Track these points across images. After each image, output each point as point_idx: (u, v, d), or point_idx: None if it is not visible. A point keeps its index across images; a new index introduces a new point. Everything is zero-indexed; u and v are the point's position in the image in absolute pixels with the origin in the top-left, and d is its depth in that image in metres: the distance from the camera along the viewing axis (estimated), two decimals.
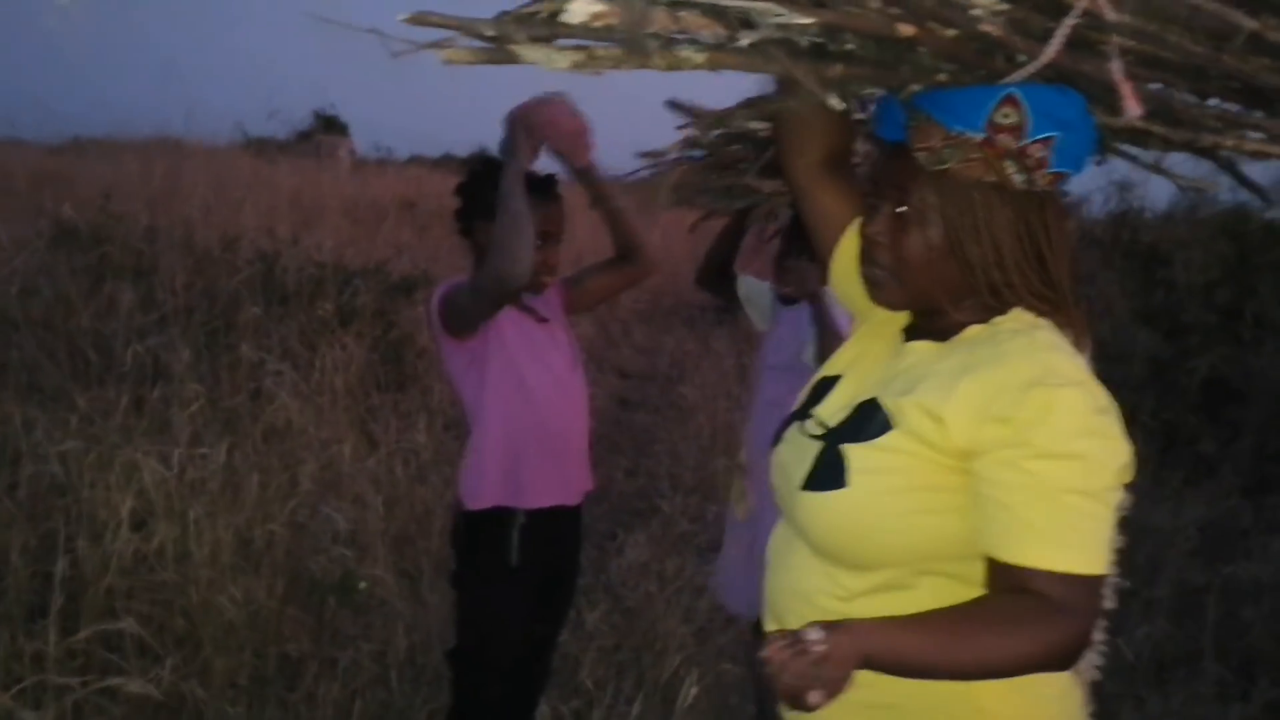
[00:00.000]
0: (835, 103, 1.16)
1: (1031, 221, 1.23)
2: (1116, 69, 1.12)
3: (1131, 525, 1.25)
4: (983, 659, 1.12)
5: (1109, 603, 1.27)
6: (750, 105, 1.53)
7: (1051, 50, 1.11)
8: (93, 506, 3.32)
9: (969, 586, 1.21)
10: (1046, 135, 1.18)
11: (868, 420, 1.27)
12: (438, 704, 3.08)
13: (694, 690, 2.89)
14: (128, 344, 4.48)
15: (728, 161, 2.37)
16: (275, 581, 3.35)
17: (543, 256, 2.34)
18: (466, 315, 2.31)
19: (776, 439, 1.44)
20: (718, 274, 2.98)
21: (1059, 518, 1.12)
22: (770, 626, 1.37)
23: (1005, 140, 1.18)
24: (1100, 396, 1.17)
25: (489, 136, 2.65)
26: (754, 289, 2.87)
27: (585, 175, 2.35)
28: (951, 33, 1.12)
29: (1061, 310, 1.25)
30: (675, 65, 1.09)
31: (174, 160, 8.05)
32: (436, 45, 1.04)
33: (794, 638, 1.06)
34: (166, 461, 3.41)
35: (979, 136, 1.19)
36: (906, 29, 1.05)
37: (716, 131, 2.41)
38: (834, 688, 1.05)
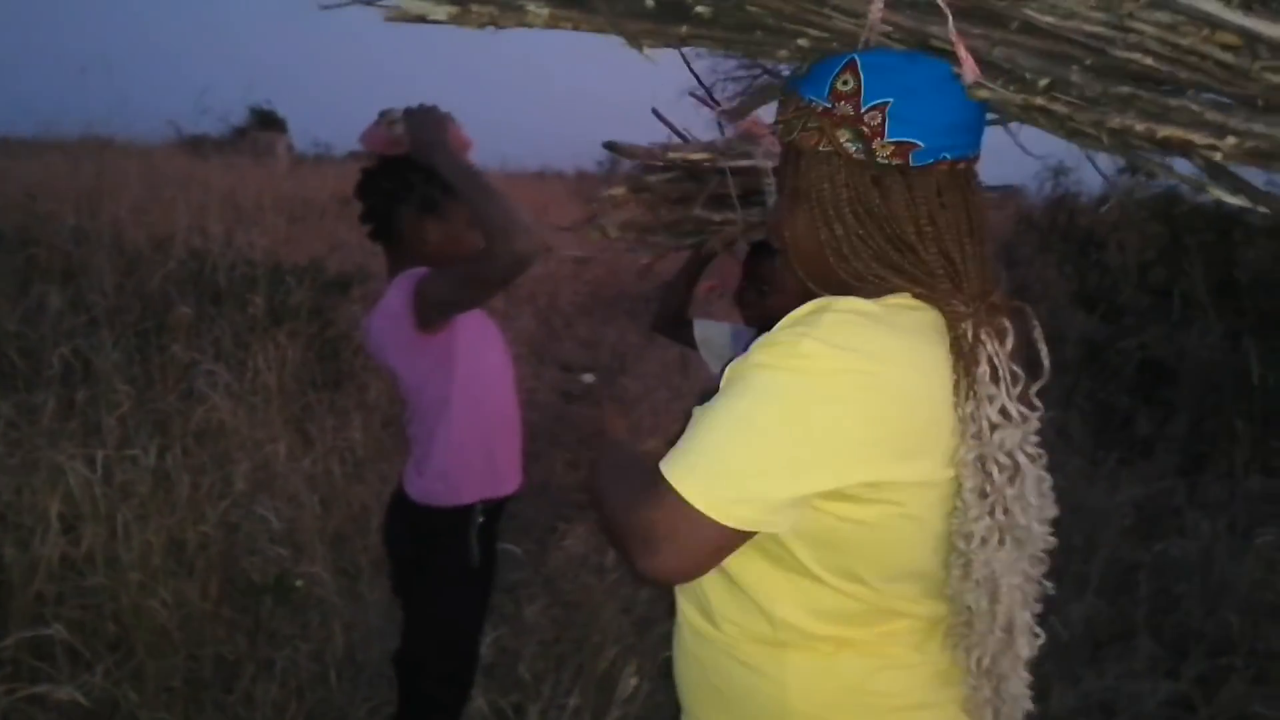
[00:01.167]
0: (649, 56, 1.19)
1: (876, 194, 1.14)
2: (953, 31, 1.10)
3: (1067, 504, 1.22)
4: (604, 489, 1.18)
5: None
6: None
7: (875, 12, 1.10)
8: (18, 511, 3.26)
9: (740, 595, 1.21)
10: (881, 101, 1.12)
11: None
12: (377, 702, 3.06)
13: (633, 681, 2.90)
14: (55, 346, 4.39)
15: (674, 197, 2.40)
16: (209, 583, 3.30)
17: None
18: (455, 306, 2.24)
19: None
20: (673, 319, 2.88)
21: (692, 432, 1.08)
22: None
23: (844, 108, 1.13)
24: (802, 340, 1.06)
25: None
26: (711, 331, 2.78)
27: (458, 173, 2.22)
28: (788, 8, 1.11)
29: (947, 295, 1.14)
30: (523, 23, 1.11)
31: (103, 159, 7.87)
32: None
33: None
34: (93, 464, 3.35)
35: (822, 105, 1.14)
36: None
37: (659, 169, 2.44)
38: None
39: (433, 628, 2.43)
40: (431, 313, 2.21)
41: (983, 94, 1.13)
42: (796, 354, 1.05)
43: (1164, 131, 1.15)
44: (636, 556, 1.08)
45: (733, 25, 1.22)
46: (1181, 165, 1.23)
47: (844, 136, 1.13)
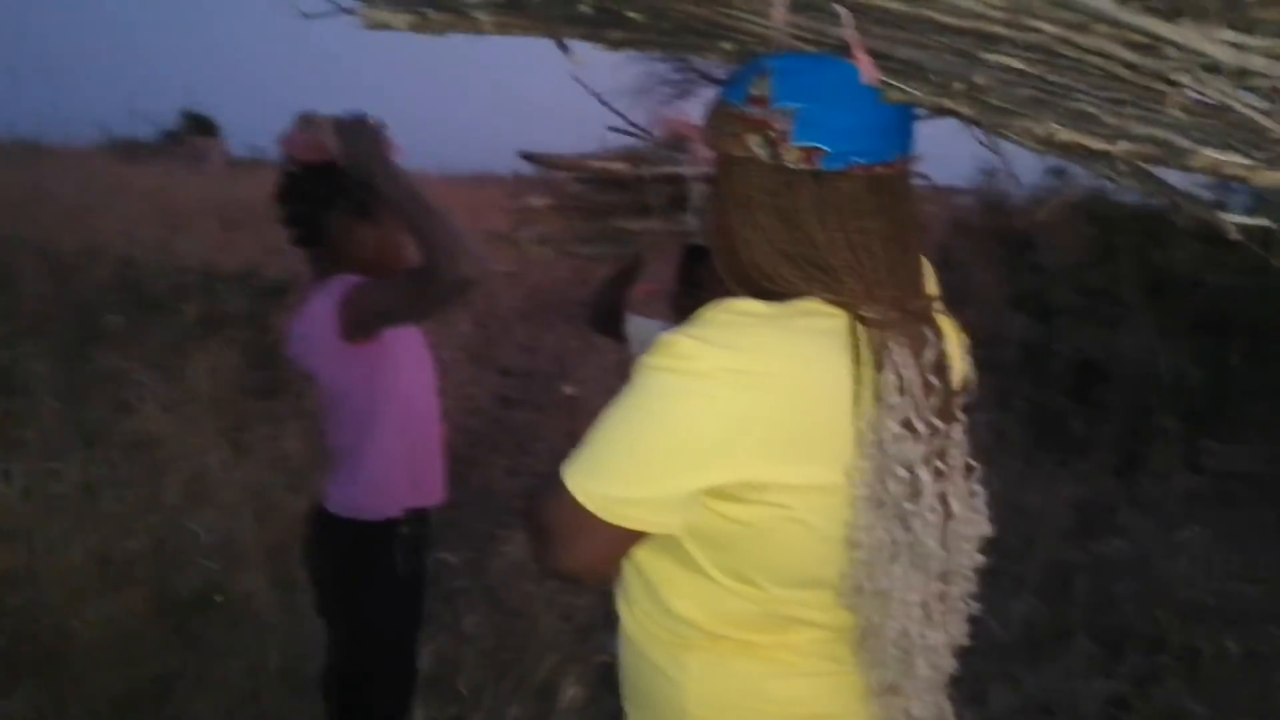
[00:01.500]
0: (579, 60, 1.21)
1: (782, 199, 1.13)
2: (849, 32, 1.09)
3: (1006, 505, 1.22)
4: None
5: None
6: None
7: (776, 15, 1.11)
8: None
9: (646, 589, 1.21)
10: (788, 106, 1.11)
11: None
12: (315, 715, 3.00)
13: (573, 690, 2.87)
14: None
15: (594, 207, 2.33)
16: (138, 599, 3.22)
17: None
18: (389, 320, 2.18)
19: None
20: (608, 317, 2.85)
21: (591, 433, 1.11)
22: None
23: (756, 111, 1.13)
24: (687, 339, 1.06)
25: None
26: (643, 329, 2.75)
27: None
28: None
29: (856, 301, 1.11)
30: (474, 29, 1.12)
31: (31, 164, 7.69)
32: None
33: None
34: (9, 479, 3.25)
35: (739, 109, 1.14)
36: None
37: (581, 178, 2.41)
38: None
39: (367, 643, 2.36)
40: (362, 323, 2.15)
41: (896, 95, 1.12)
42: (675, 353, 1.05)
43: (1061, 135, 1.13)
44: (537, 553, 1.14)
45: (664, 30, 1.22)
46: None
47: (754, 141, 1.13)
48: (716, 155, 1.20)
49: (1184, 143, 1.13)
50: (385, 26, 1.24)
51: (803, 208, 1.12)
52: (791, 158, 1.11)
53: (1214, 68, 1.11)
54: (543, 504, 1.11)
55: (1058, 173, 7.62)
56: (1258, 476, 4.52)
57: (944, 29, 1.13)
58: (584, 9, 1.21)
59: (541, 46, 1.26)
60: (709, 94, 1.52)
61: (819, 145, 1.11)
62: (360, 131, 2.17)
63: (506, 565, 3.74)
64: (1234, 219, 1.17)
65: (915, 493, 1.09)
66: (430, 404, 2.45)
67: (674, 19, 1.20)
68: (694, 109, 1.77)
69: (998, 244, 8.42)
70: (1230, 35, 1.09)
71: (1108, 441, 5.26)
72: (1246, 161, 1.13)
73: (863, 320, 1.10)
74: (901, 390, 1.08)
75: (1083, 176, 7.18)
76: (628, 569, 1.23)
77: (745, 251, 1.16)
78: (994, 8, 1.10)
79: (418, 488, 2.36)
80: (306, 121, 2.24)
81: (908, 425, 1.08)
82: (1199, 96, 1.14)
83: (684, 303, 2.50)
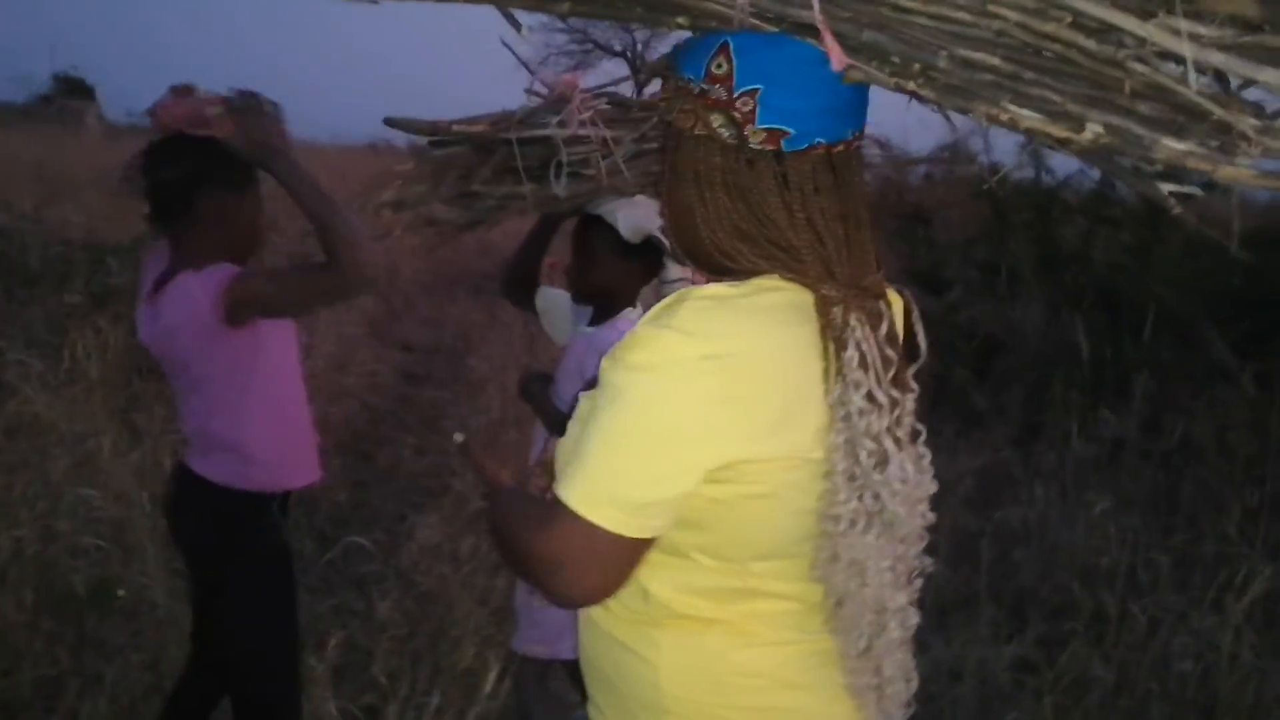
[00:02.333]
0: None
1: (743, 178, 1.13)
2: (818, 15, 1.08)
3: None
4: (505, 533, 1.18)
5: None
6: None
7: None
8: None
9: (680, 559, 1.17)
10: (751, 87, 1.12)
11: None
12: (218, 711, 2.89)
13: (494, 675, 2.82)
14: None
15: (461, 173, 2.31)
16: (25, 594, 3.05)
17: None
18: (278, 310, 2.19)
19: None
20: (520, 284, 2.77)
21: (569, 447, 1.12)
22: None
23: (717, 91, 1.13)
24: (663, 333, 1.06)
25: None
26: (551, 300, 2.70)
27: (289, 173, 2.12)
28: None
29: (818, 280, 1.13)
30: None
31: None
32: None
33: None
34: None
35: (699, 86, 1.14)
36: None
37: (449, 142, 2.35)
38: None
39: (251, 620, 2.30)
40: (248, 310, 2.12)
41: (856, 76, 1.12)
42: (652, 348, 1.07)
43: (1026, 123, 1.15)
44: (549, 584, 1.11)
45: (613, 2, 1.19)
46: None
47: (717, 121, 1.13)
48: (670, 130, 1.20)
49: (1142, 131, 1.16)
50: None
51: (764, 188, 1.14)
52: (756, 139, 1.13)
53: (1169, 57, 1.13)
54: (544, 537, 1.09)
55: (952, 149, 7.78)
56: (1148, 446, 4.69)
57: (906, 11, 1.12)
58: None
59: (443, 14, 1.20)
60: (608, 65, 1.50)
61: (784, 127, 1.12)
62: (259, 115, 2.10)
63: (418, 548, 3.65)
64: (1173, 188, 1.19)
65: (882, 463, 1.12)
66: (299, 384, 2.42)
67: None
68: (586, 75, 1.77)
69: (891, 218, 8.57)
70: (1185, 25, 1.10)
71: (1006, 412, 5.41)
72: (1203, 152, 1.15)
73: (824, 297, 1.12)
74: (865, 365, 1.11)
75: (976, 154, 7.31)
76: None
77: (705, 229, 1.16)
78: None
79: (292, 467, 2.36)
80: (184, 91, 2.14)
81: (871, 398, 1.11)
82: (1153, 84, 1.16)
83: (579, 273, 2.49)
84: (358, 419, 5.42)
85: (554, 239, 2.65)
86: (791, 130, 1.12)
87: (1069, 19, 1.11)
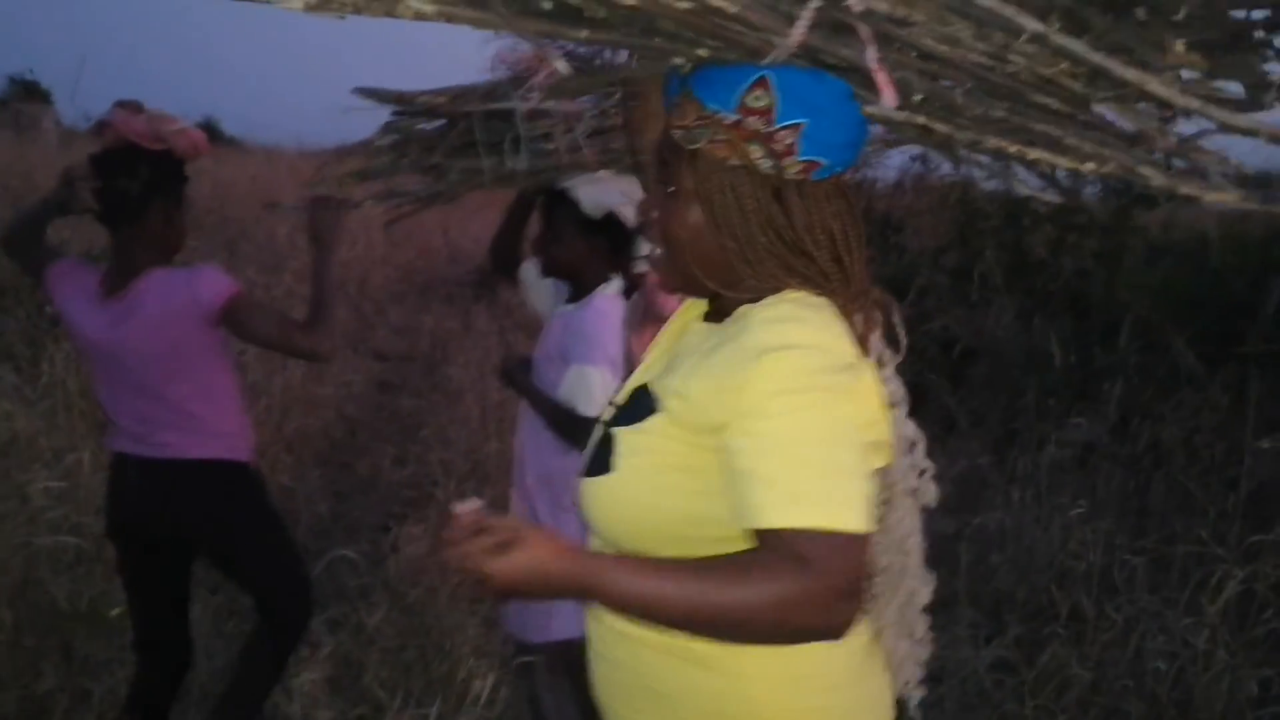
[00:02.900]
0: (563, 67, 1.18)
1: (778, 208, 1.20)
2: (871, 57, 1.14)
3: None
4: (700, 605, 1.06)
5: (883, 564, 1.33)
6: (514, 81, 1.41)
7: (796, 34, 1.12)
8: None
9: None
10: (795, 121, 1.16)
11: (639, 405, 1.28)
12: None
13: (488, 684, 2.83)
14: None
15: (424, 143, 2.44)
16: (8, 612, 3.02)
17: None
18: (251, 334, 2.52)
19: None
20: (504, 257, 2.84)
21: (793, 472, 1.08)
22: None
23: (755, 123, 1.17)
24: (832, 356, 1.15)
25: (211, 104, 2.58)
26: (533, 275, 2.74)
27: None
28: (684, 5, 1.10)
29: (838, 293, 1.22)
30: (392, 13, 1.08)
31: None
32: None
33: (486, 522, 1.10)
34: None
35: (731, 117, 1.17)
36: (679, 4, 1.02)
37: (405, 113, 2.43)
38: (498, 584, 1.07)
39: (273, 557, 2.67)
40: (232, 324, 2.48)
41: (875, 112, 1.22)
42: (827, 350, 1.15)
43: (1033, 154, 1.29)
44: (836, 620, 1.08)
45: (632, 30, 1.22)
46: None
47: (756, 153, 1.18)
48: (681, 152, 1.23)
49: (1131, 162, 1.28)
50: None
51: (794, 214, 1.21)
52: (791, 170, 1.19)
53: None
54: (820, 572, 1.04)
55: (921, 159, 7.88)
56: (1119, 450, 4.77)
57: (929, 57, 1.21)
58: (545, 4, 1.18)
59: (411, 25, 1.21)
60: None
61: (819, 159, 1.19)
62: (330, 213, 2.52)
63: (404, 560, 3.65)
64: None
65: (914, 445, 1.32)
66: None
67: (643, 20, 1.18)
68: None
69: (864, 226, 8.64)
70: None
71: (980, 418, 5.48)
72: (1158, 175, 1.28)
73: (845, 306, 1.23)
74: (883, 362, 1.26)
75: (945, 163, 7.42)
76: None
77: (734, 253, 1.22)
78: (974, 38, 1.19)
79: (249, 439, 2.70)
80: (133, 107, 2.44)
81: (893, 393, 1.27)
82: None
83: (545, 248, 2.56)
84: (334, 429, 5.40)
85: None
86: (825, 161, 1.19)
87: (1066, 64, 1.22)
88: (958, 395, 5.57)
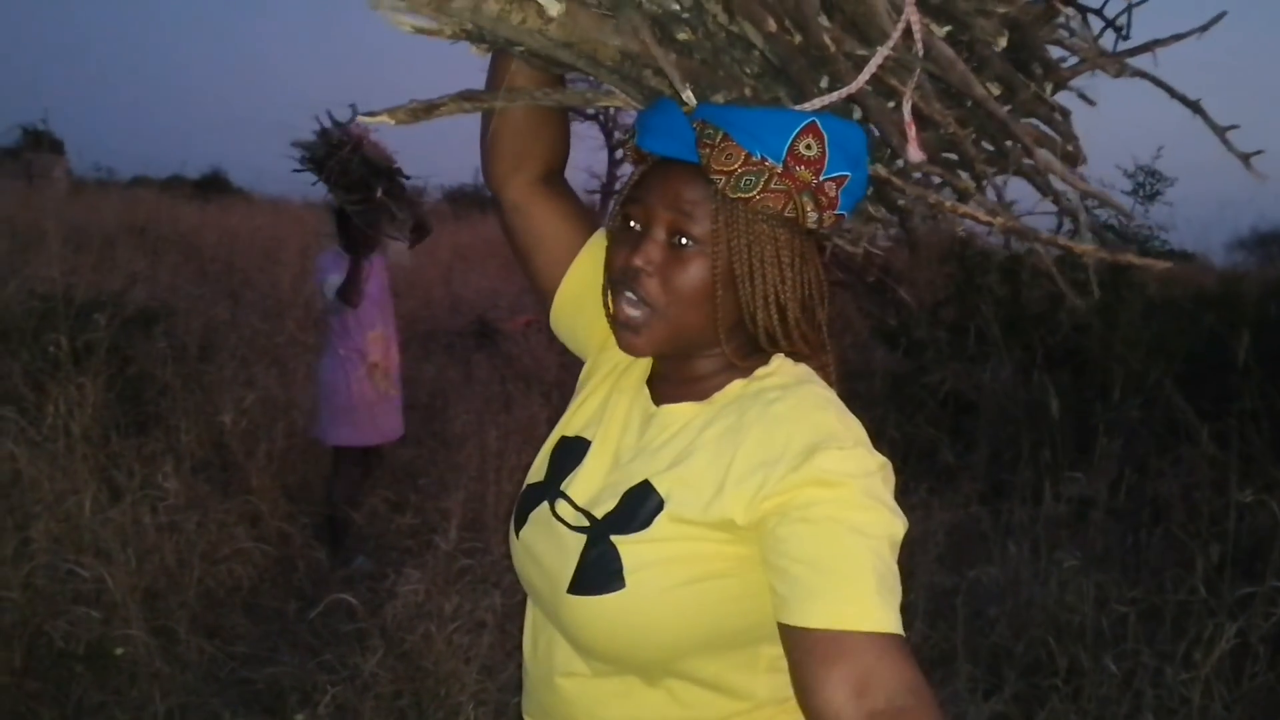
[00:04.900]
0: (689, 96, 1.05)
1: (809, 263, 1.15)
2: (908, 113, 1.09)
3: None
4: None
5: None
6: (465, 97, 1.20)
7: (864, 76, 1.06)
8: None
9: (709, 690, 1.16)
10: (841, 174, 1.09)
11: (639, 505, 1.14)
12: None
13: None
14: None
15: None
16: (12, 654, 3.02)
17: None
18: None
19: (520, 518, 1.27)
20: None
21: (864, 570, 0.99)
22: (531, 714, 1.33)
23: (804, 173, 1.07)
24: (876, 455, 1.10)
25: (219, 156, 2.62)
26: None
27: None
28: (798, 39, 1.04)
29: (820, 354, 1.20)
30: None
31: None
32: None
33: None
34: None
35: (779, 166, 1.07)
36: (769, 25, 0.99)
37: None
38: None
39: None
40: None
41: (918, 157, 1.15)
42: (874, 457, 1.09)
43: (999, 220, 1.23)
44: None
45: (704, 61, 1.11)
46: None
47: (808, 205, 1.10)
48: (727, 205, 1.11)
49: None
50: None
51: (810, 266, 1.16)
52: (828, 223, 1.13)
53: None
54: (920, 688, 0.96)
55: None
56: (1113, 505, 4.78)
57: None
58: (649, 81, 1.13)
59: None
60: (579, 127, 1.49)
61: (846, 212, 1.14)
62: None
63: (401, 606, 3.65)
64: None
65: None
66: None
67: (730, 50, 1.10)
68: None
69: (858, 280, 8.72)
70: None
71: (975, 470, 5.49)
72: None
73: (825, 369, 1.20)
74: None
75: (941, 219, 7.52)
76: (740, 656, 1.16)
77: (762, 307, 1.13)
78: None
79: None
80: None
81: None
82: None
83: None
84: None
85: None
86: (847, 215, 1.15)
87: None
88: (955, 448, 5.59)
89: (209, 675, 3.34)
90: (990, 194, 1.23)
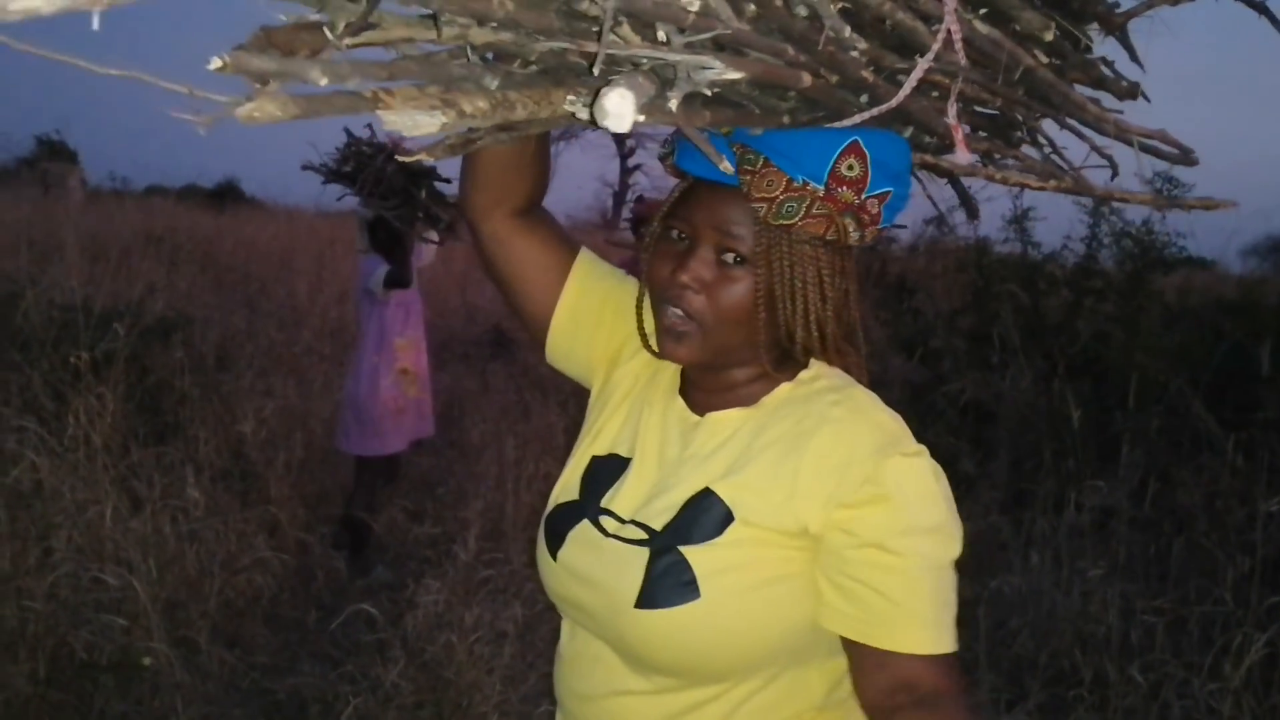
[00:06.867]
0: (726, 167, 1.03)
1: (848, 276, 1.15)
2: (953, 117, 1.07)
3: None
4: None
5: None
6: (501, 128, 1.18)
7: (904, 92, 1.03)
8: None
9: (770, 696, 1.16)
10: (884, 190, 1.09)
11: (703, 514, 1.14)
12: None
13: None
14: None
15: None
16: (36, 664, 3.02)
17: None
18: None
19: (555, 538, 1.24)
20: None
21: (929, 598, 1.08)
22: None
23: (846, 194, 1.07)
24: (931, 460, 1.16)
25: (233, 166, 2.60)
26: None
27: None
28: (835, 79, 1.02)
29: (853, 360, 1.21)
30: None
31: None
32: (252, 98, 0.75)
33: None
34: None
35: (821, 189, 1.07)
36: (807, 80, 0.96)
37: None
38: None
39: None
40: None
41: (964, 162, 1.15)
42: (929, 466, 1.15)
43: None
44: None
45: (741, 106, 1.06)
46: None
47: (850, 225, 1.10)
48: (767, 229, 1.11)
49: None
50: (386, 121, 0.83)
51: (850, 281, 1.16)
52: (869, 238, 1.13)
53: None
54: (955, 700, 1.10)
55: (937, 222, 7.94)
56: (1135, 514, 4.75)
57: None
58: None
59: None
60: (591, 135, 1.45)
61: (888, 226, 1.15)
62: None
63: (422, 616, 3.64)
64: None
65: None
66: None
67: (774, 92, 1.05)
68: None
69: (876, 288, 8.70)
70: None
71: (995, 480, 5.46)
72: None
73: (857, 374, 1.22)
74: None
75: (959, 226, 7.45)
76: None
77: (801, 323, 1.14)
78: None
79: None
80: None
81: None
82: None
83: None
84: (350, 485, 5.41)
85: None
86: (889, 228, 1.16)
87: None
88: (975, 458, 5.56)
89: (230, 686, 3.34)
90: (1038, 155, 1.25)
